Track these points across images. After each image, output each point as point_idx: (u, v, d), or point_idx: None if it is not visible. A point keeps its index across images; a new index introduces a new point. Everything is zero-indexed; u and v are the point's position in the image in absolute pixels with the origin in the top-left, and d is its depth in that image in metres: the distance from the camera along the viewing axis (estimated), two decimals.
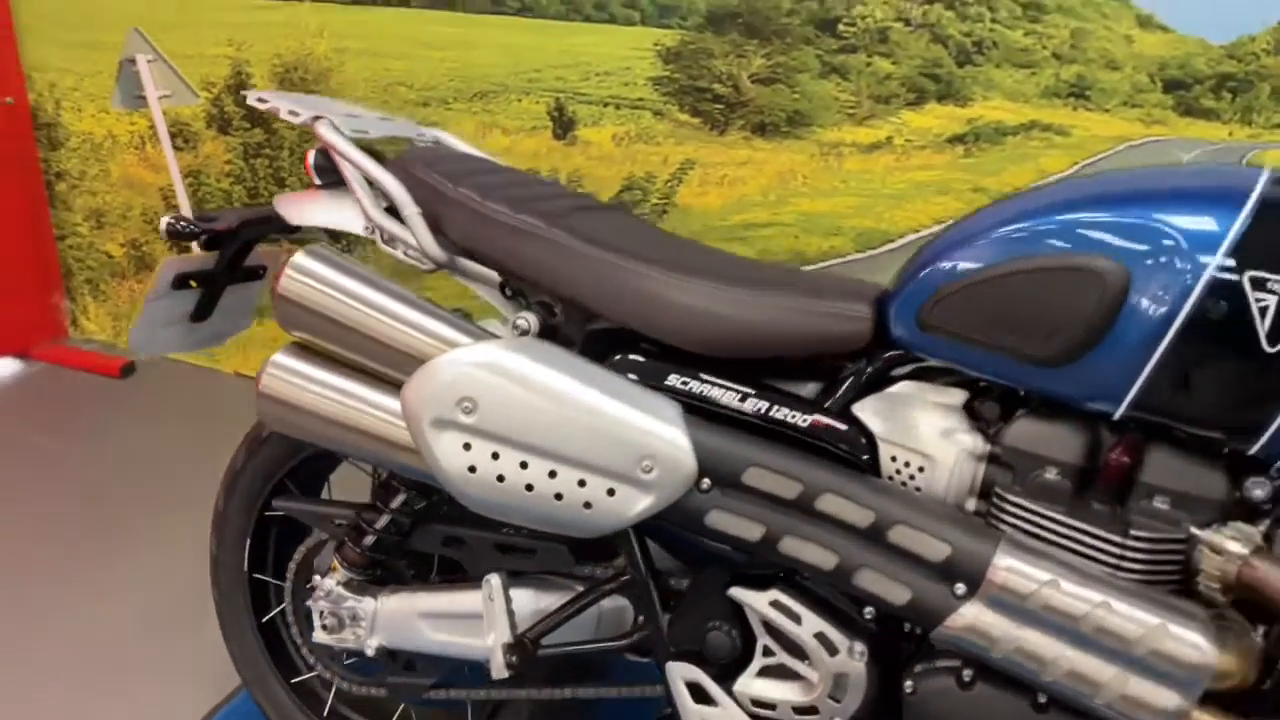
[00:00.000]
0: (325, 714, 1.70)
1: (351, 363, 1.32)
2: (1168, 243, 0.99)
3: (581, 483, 1.18)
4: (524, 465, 1.19)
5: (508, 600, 1.29)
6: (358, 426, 1.31)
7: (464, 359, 1.20)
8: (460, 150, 1.58)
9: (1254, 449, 1.01)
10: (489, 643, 1.28)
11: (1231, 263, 0.97)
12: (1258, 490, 1.05)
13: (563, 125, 2.44)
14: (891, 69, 2.10)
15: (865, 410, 1.21)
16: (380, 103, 2.61)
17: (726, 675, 1.27)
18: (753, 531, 1.18)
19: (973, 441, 1.15)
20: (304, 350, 1.35)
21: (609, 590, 1.33)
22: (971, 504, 1.17)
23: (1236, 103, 1.88)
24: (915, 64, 2.07)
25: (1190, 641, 1.00)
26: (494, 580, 1.30)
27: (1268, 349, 0.96)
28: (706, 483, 1.19)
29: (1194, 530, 1.04)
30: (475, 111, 2.52)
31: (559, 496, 1.19)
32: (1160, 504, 1.07)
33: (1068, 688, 1.04)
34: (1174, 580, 1.07)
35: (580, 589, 1.36)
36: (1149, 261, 1.00)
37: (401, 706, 1.66)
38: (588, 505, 1.19)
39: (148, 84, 2.92)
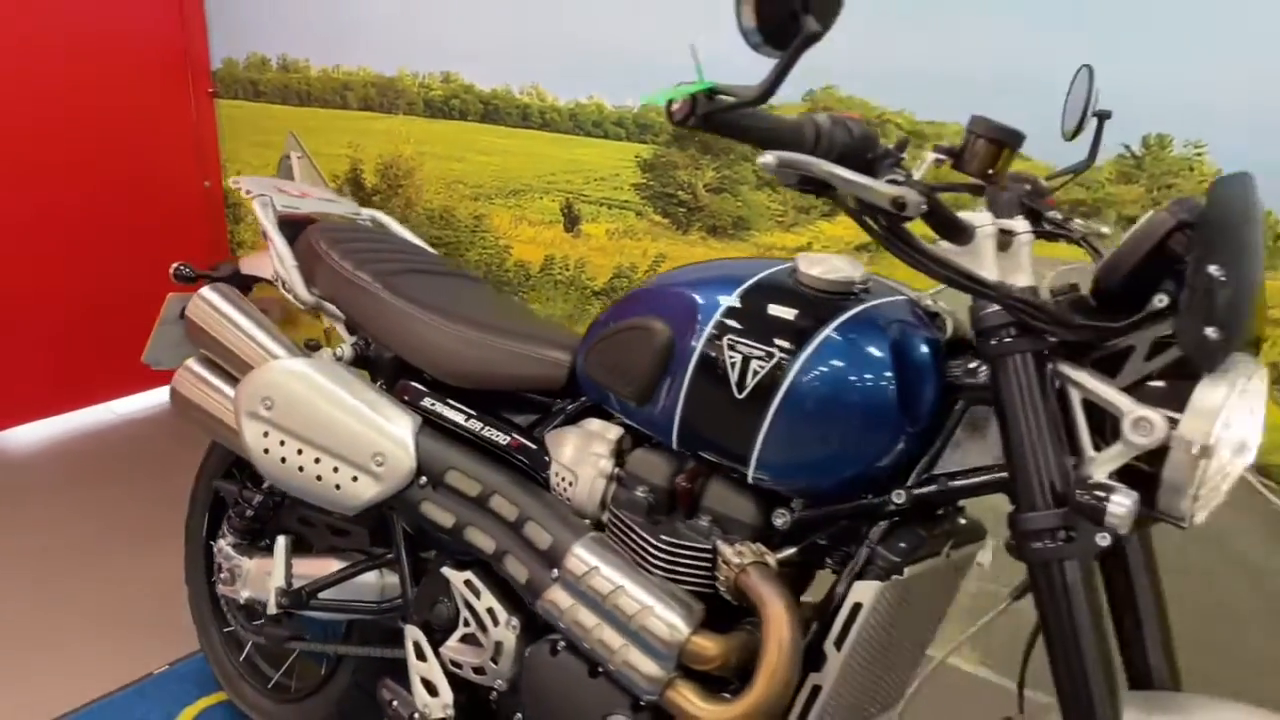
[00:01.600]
0: (242, 659, 2.14)
1: (227, 370, 1.80)
2: (691, 310, 1.28)
3: (335, 469, 1.58)
4: (299, 451, 1.60)
5: (288, 557, 1.69)
6: (219, 418, 1.77)
7: (273, 368, 1.64)
8: (373, 227, 2.04)
9: (750, 477, 1.25)
10: (269, 586, 1.68)
11: (715, 330, 1.24)
12: (777, 520, 1.28)
13: (571, 220, 2.88)
14: None
15: (550, 436, 1.53)
16: (446, 196, 3.17)
17: (441, 639, 1.60)
18: (447, 520, 1.52)
19: (606, 465, 1.45)
20: (206, 360, 1.85)
21: (376, 564, 1.70)
22: (606, 515, 1.45)
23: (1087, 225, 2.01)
24: None
25: (669, 622, 1.24)
26: (281, 540, 1.72)
27: (737, 394, 1.22)
28: (424, 479, 1.55)
29: (718, 543, 1.29)
30: (510, 206, 3.01)
31: (319, 478, 1.59)
32: (703, 521, 1.32)
33: (599, 655, 1.31)
34: (706, 583, 1.30)
35: (358, 561, 1.74)
36: (681, 324, 1.29)
37: (294, 657, 2.07)
38: (338, 487, 1.58)
39: (298, 175, 3.67)
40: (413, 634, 1.62)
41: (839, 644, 1.22)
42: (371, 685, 1.74)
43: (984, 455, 1.20)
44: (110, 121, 3.63)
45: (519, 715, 1.47)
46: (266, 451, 1.62)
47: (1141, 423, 1.01)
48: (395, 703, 1.64)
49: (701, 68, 0.93)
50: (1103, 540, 1.03)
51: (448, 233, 3.20)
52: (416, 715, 1.58)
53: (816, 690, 1.23)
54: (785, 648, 1.17)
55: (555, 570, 1.38)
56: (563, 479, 1.48)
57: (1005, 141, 1.07)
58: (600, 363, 1.41)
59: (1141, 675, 1.19)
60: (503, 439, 1.55)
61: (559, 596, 1.36)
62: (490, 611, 1.50)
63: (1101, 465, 1.05)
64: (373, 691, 1.70)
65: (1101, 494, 0.99)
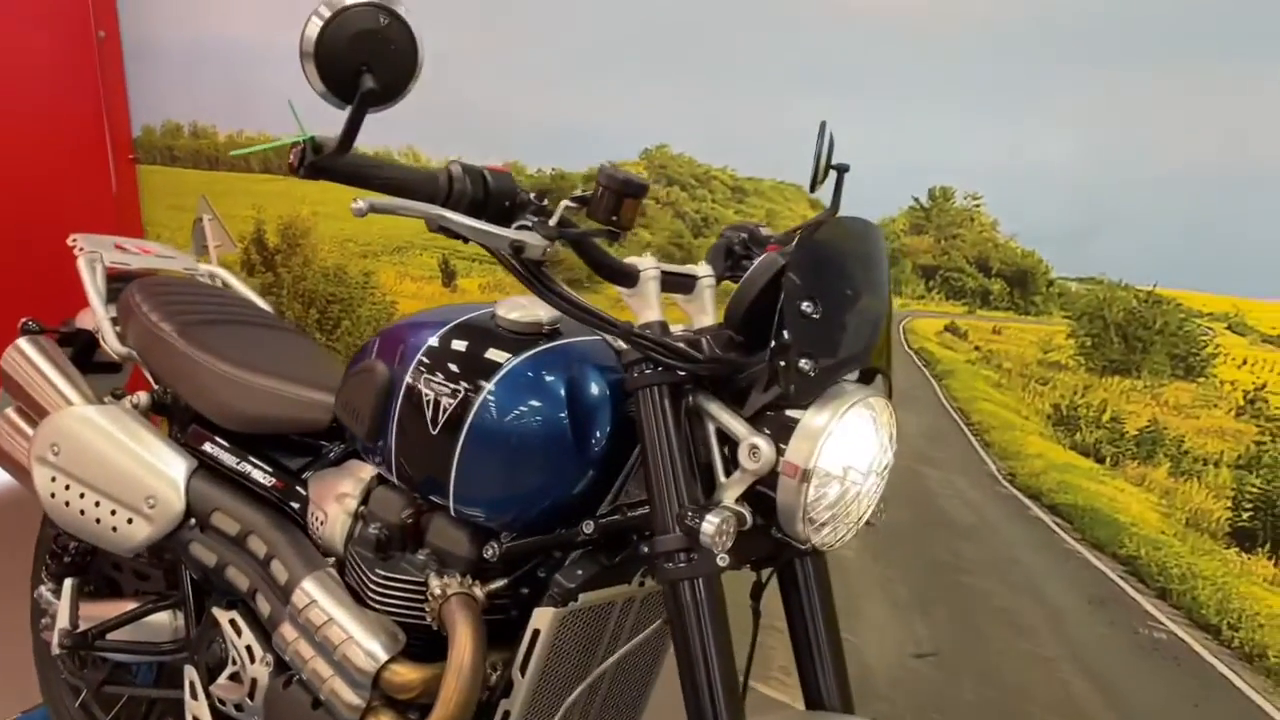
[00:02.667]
0: (78, 705, 2.18)
1: (32, 418, 1.87)
2: (403, 352, 1.35)
3: (112, 511, 1.64)
4: (81, 495, 1.66)
5: (74, 600, 1.74)
6: (21, 465, 1.84)
7: (64, 414, 1.70)
8: (209, 283, 2.12)
9: (452, 510, 1.31)
10: (55, 626, 1.73)
11: (416, 369, 1.30)
12: (487, 552, 1.33)
13: (448, 275, 2.97)
14: (650, 238, 2.47)
15: (313, 479, 1.59)
16: (339, 255, 3.26)
17: (215, 678, 1.64)
18: (211, 559, 1.58)
19: (352, 504, 1.50)
20: (21, 409, 1.91)
21: (162, 606, 1.75)
22: (346, 553, 1.50)
23: None
24: (665, 234, 2.43)
25: (367, 650, 1.29)
26: (67, 583, 1.77)
27: (432, 431, 1.28)
28: (193, 521, 1.61)
29: (430, 575, 1.34)
30: (395, 263, 3.10)
31: (98, 520, 1.65)
32: (423, 555, 1.37)
33: (313, 685, 1.35)
34: (420, 614, 1.35)
35: (145, 603, 1.78)
36: (396, 366, 1.35)
37: (123, 702, 2.10)
38: (114, 529, 1.64)
39: (209, 237, 3.77)
40: (190, 673, 1.67)
41: (523, 670, 1.27)
42: None
43: None
44: (33, 189, 3.76)
45: None
46: (53, 495, 1.68)
47: (753, 450, 1.07)
48: None
49: (301, 121, 1.01)
50: (723, 561, 1.09)
51: (341, 289, 3.29)
52: None
53: (507, 716, 1.27)
54: (464, 673, 1.21)
55: (287, 605, 1.43)
56: (316, 518, 1.53)
57: (627, 192, 1.15)
58: (344, 404, 1.47)
59: (814, 695, 1.23)
60: (267, 480, 1.61)
61: (287, 630, 1.41)
62: (249, 649, 1.54)
63: (729, 491, 1.11)
64: None
65: (697, 516, 1.05)
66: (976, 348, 1.98)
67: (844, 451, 1.08)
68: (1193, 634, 1.86)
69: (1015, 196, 1.90)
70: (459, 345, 1.30)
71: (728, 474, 1.12)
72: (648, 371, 1.13)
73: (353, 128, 0.96)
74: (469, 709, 1.22)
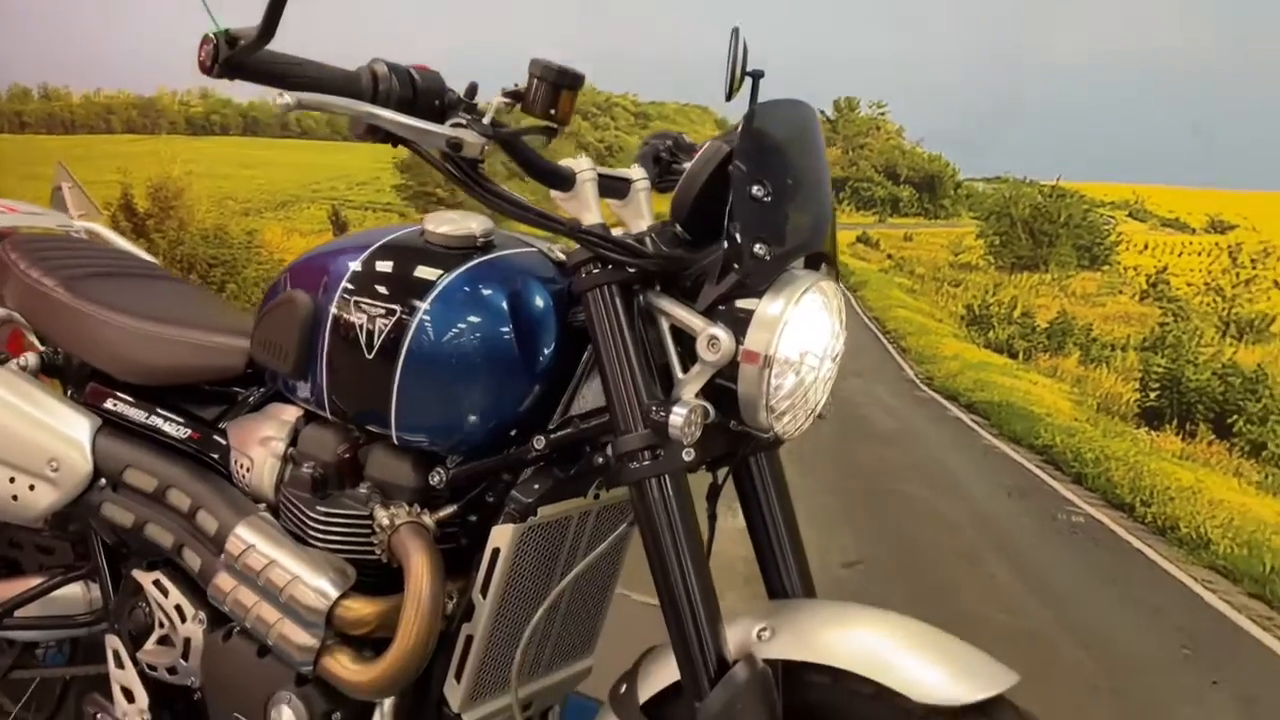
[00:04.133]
0: None
1: None
2: (326, 279, 1.28)
3: (11, 479, 1.52)
4: None
5: None
6: None
7: None
8: (86, 238, 1.98)
9: (394, 438, 1.26)
10: None
11: (344, 294, 1.24)
12: (434, 479, 1.29)
13: (339, 227, 2.86)
14: None
15: (232, 426, 1.51)
16: (218, 214, 3.11)
17: (141, 645, 1.55)
18: (127, 519, 1.48)
19: (279, 446, 1.43)
20: None
21: (72, 578, 1.64)
22: (278, 497, 1.43)
23: None
24: None
25: (315, 587, 1.23)
26: None
27: (367, 354, 1.22)
28: (103, 481, 1.51)
29: (375, 508, 1.28)
30: (280, 219, 2.97)
31: None
32: (364, 489, 1.32)
33: (259, 633, 1.29)
34: (369, 550, 1.30)
35: (52, 577, 1.67)
36: (319, 294, 1.28)
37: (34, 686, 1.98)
38: (15, 498, 1.52)
39: (70, 206, 3.54)
40: (112, 643, 1.57)
41: (484, 591, 1.23)
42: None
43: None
44: None
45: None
46: None
47: (712, 341, 1.05)
48: (99, 715, 1.58)
49: (212, 12, 0.94)
50: (688, 455, 1.07)
51: (223, 251, 3.14)
52: None
53: (470, 640, 1.24)
54: (423, 600, 1.17)
55: (221, 554, 1.35)
56: (241, 465, 1.45)
57: (563, 83, 1.10)
58: (263, 343, 1.39)
59: (777, 586, 1.23)
60: (181, 432, 1.52)
61: (223, 580, 1.34)
62: (178, 608, 1.46)
63: (688, 386, 1.09)
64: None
65: (663, 410, 1.03)
66: (889, 256, 2.01)
67: (800, 337, 1.07)
68: (1109, 514, 1.94)
69: (920, 101, 1.92)
70: (386, 266, 1.24)
71: (685, 370, 1.10)
72: (596, 271, 1.10)
73: (275, 12, 0.88)
74: (431, 637, 1.18)
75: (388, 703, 1.25)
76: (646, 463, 1.07)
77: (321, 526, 1.29)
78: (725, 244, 1.06)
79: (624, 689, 1.19)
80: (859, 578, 2.31)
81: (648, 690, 1.17)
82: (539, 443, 1.22)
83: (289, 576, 1.25)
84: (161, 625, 1.49)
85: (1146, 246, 1.74)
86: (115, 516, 1.48)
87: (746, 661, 1.05)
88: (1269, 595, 1.83)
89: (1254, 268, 1.75)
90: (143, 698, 1.48)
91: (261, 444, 1.42)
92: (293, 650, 1.24)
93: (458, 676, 1.24)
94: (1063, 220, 1.76)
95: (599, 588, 1.43)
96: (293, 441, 1.41)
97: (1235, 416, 1.81)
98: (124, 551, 1.59)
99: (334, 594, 1.22)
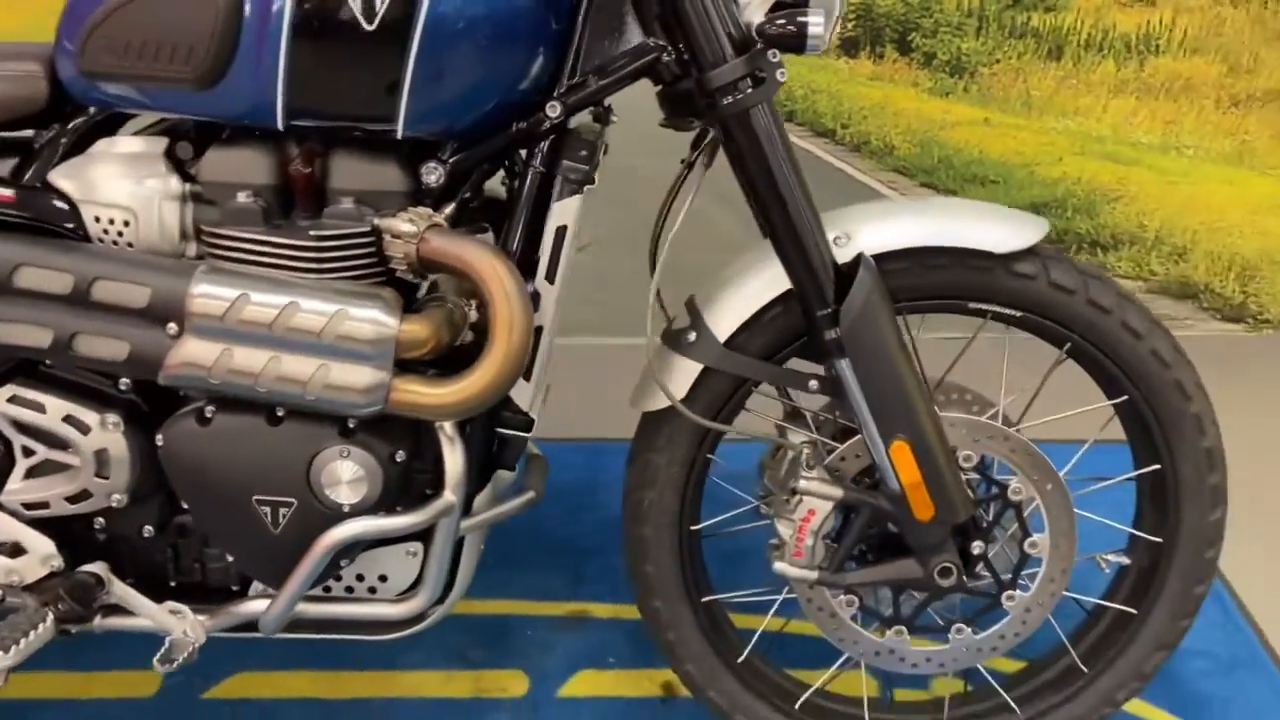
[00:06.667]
0: None
1: None
2: None
3: None
4: None
5: None
6: None
7: None
8: None
9: (403, 131, 1.07)
10: None
11: None
12: (430, 176, 1.12)
13: None
14: None
15: (61, 177, 1.14)
16: None
17: None
18: None
19: (172, 185, 1.13)
20: None
21: None
22: (191, 248, 1.15)
23: None
24: None
25: (369, 318, 1.06)
26: None
27: (367, 26, 1.01)
28: None
29: (376, 221, 1.10)
30: None
31: None
32: (346, 204, 1.12)
33: (285, 393, 1.08)
34: (377, 271, 1.13)
35: None
36: None
37: None
38: None
39: None
40: None
41: (550, 276, 1.15)
42: None
43: (620, 46, 1.16)
44: None
45: (182, 519, 1.20)
46: None
47: None
48: None
49: None
50: (781, 76, 1.09)
51: None
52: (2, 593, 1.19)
53: (539, 332, 1.16)
54: (513, 295, 1.07)
55: (173, 325, 1.08)
56: (110, 222, 1.13)
57: None
58: (116, 51, 1.06)
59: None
60: None
61: (195, 351, 1.08)
62: (70, 420, 1.15)
63: (757, 6, 1.08)
64: None
65: (789, 21, 1.03)
66: None
67: None
68: (815, 143, 2.25)
69: None
70: None
71: None
72: None
73: None
74: (530, 332, 1.09)
75: (448, 424, 1.16)
76: (750, 90, 1.07)
77: (316, 254, 1.11)
78: None
79: (692, 335, 1.22)
80: (589, 259, 2.42)
81: (728, 327, 1.22)
82: (553, 109, 1.15)
83: (322, 316, 1.06)
84: (29, 454, 1.19)
85: None
86: None
87: (860, 262, 1.15)
88: (936, 182, 2.29)
89: None
90: (43, 542, 1.20)
91: (142, 187, 1.13)
92: (351, 395, 1.08)
93: (526, 376, 1.17)
94: None
95: None
96: (179, 174, 1.15)
97: (913, 33, 2.15)
98: None
99: (394, 320, 1.08)
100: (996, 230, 1.20)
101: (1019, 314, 1.22)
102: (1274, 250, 2.43)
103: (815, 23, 1.02)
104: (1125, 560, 1.37)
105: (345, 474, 1.12)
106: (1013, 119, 2.29)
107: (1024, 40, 2.23)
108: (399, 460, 1.14)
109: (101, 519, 1.22)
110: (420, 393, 1.09)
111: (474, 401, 1.10)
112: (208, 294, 1.07)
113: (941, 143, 2.29)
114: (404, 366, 1.10)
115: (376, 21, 1.02)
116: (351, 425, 1.13)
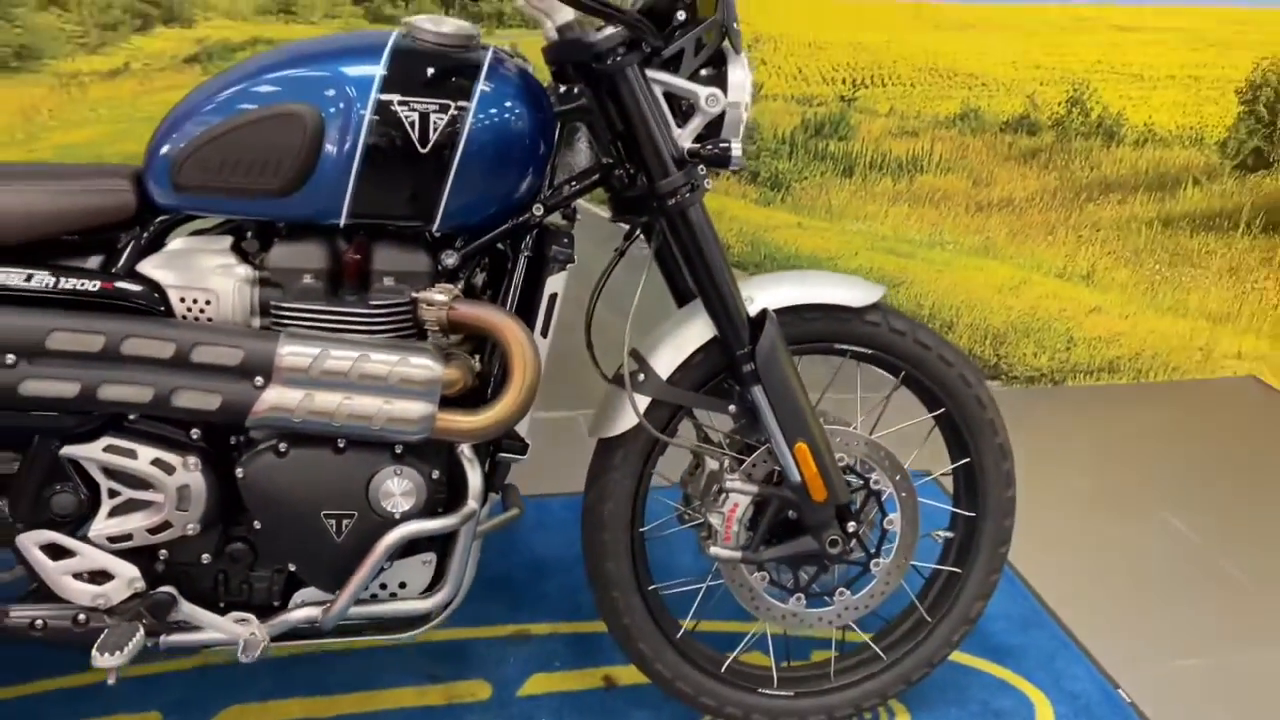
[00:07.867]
0: None
1: None
2: (336, 86, 1.35)
3: None
4: None
5: None
6: None
7: None
8: None
9: (437, 229, 1.43)
10: None
11: (380, 98, 1.35)
12: (449, 260, 1.48)
13: None
14: None
15: (150, 267, 1.41)
16: None
17: (79, 528, 1.41)
18: (69, 389, 1.33)
19: (244, 271, 1.42)
20: None
21: None
22: (256, 321, 1.44)
23: (409, 9, 2.37)
24: None
25: (423, 364, 1.40)
26: None
27: (421, 150, 1.38)
28: (11, 358, 1.30)
29: (413, 294, 1.44)
30: None
31: None
32: (388, 281, 1.45)
33: (354, 427, 1.39)
34: (412, 332, 1.46)
35: None
36: (330, 102, 1.35)
37: None
38: None
39: None
40: (35, 538, 1.39)
41: (544, 332, 1.52)
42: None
43: (580, 162, 1.57)
44: None
45: (237, 545, 1.45)
46: None
47: (710, 98, 1.50)
48: (39, 623, 1.41)
49: None
50: (709, 185, 1.52)
51: None
52: (82, 616, 1.41)
53: None
54: (525, 345, 1.43)
55: (260, 378, 1.37)
56: (194, 301, 1.42)
57: None
58: (211, 167, 1.38)
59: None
60: (92, 285, 1.38)
61: (281, 398, 1.37)
62: (158, 463, 1.40)
63: (687, 136, 1.52)
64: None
65: (714, 146, 1.47)
66: None
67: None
68: None
69: None
70: (418, 68, 1.37)
71: (681, 125, 1.52)
72: (625, 54, 1.44)
73: None
74: (540, 370, 1.45)
75: (468, 447, 1.50)
76: (689, 194, 1.50)
77: (368, 321, 1.45)
78: (713, 24, 1.50)
79: (641, 375, 1.62)
80: None
81: (667, 367, 1.63)
82: (538, 210, 1.55)
83: (387, 365, 1.39)
84: (115, 495, 1.46)
85: None
86: (47, 392, 1.37)
87: (765, 316, 1.59)
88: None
89: None
90: (127, 568, 1.45)
91: (218, 274, 1.45)
92: (406, 425, 1.41)
93: None
94: None
95: None
96: (249, 263, 1.47)
97: None
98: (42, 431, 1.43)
99: (440, 366, 1.42)
100: (852, 291, 1.67)
101: (870, 352, 1.70)
102: (1016, 322, 3.11)
103: (736, 147, 1.47)
104: (950, 534, 1.85)
105: (397, 488, 1.44)
106: (819, 223, 2.87)
107: (824, 162, 2.82)
108: (436, 477, 1.46)
109: (166, 550, 1.46)
110: (458, 420, 1.43)
111: (501, 426, 1.44)
112: (295, 352, 1.37)
113: (766, 242, 2.83)
114: (444, 400, 1.44)
115: (430, 146, 1.38)
116: (399, 450, 1.44)
